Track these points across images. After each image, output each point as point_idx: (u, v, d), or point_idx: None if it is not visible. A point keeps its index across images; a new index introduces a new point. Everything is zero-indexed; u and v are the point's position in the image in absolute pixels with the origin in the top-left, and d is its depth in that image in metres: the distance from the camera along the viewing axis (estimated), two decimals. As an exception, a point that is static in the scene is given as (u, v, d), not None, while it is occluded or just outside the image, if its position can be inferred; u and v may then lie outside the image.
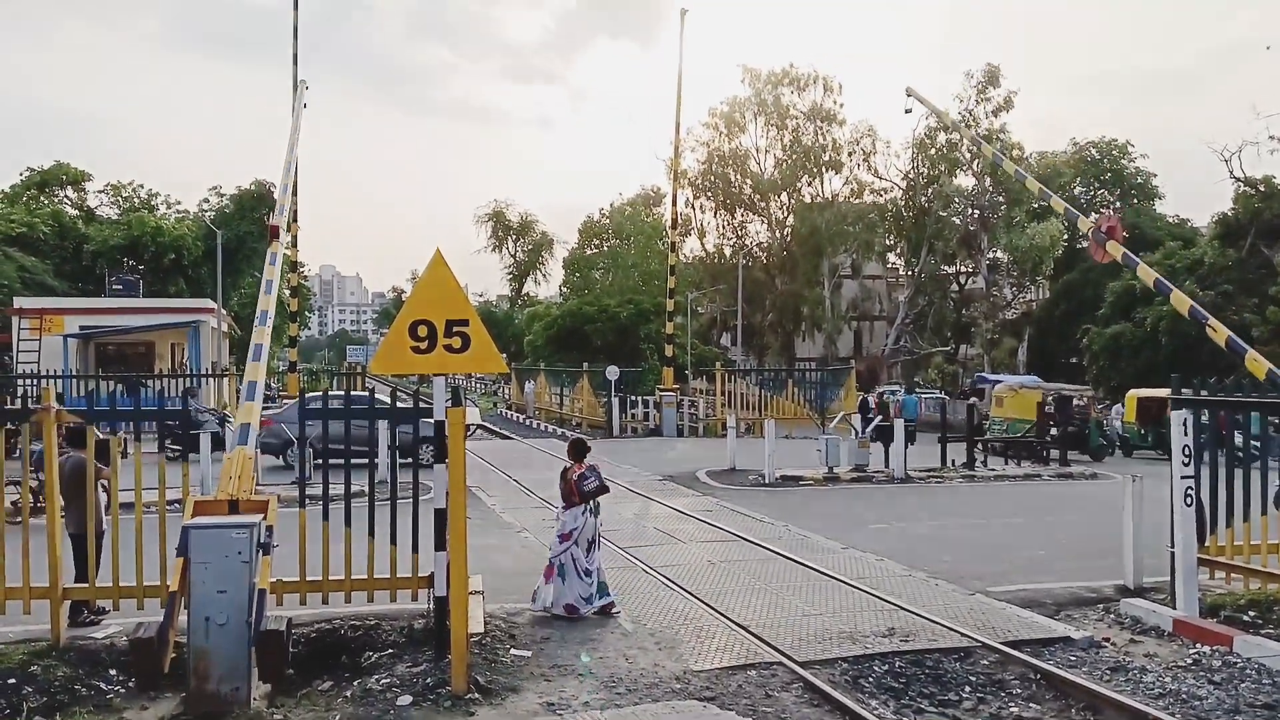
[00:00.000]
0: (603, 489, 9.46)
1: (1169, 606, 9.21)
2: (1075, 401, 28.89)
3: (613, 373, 33.73)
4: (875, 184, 56.31)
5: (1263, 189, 41.30)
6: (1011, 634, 8.58)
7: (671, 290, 36.17)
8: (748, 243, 59.44)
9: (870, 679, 7.51)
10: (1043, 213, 50.95)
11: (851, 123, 56.18)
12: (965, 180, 53.04)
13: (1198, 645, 8.37)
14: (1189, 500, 9.14)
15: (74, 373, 29.48)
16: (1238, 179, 42.30)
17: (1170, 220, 53.24)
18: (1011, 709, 7.02)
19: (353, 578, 8.53)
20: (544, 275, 78.87)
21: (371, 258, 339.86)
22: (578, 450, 9.67)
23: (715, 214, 59.01)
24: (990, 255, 52.15)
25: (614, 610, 9.25)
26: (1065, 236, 49.74)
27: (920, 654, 8.05)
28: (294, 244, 32.85)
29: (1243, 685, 7.40)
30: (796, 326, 57.98)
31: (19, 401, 8.46)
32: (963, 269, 57.59)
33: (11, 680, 7.36)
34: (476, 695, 6.99)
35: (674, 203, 39.08)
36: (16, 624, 8.35)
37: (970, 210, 52.52)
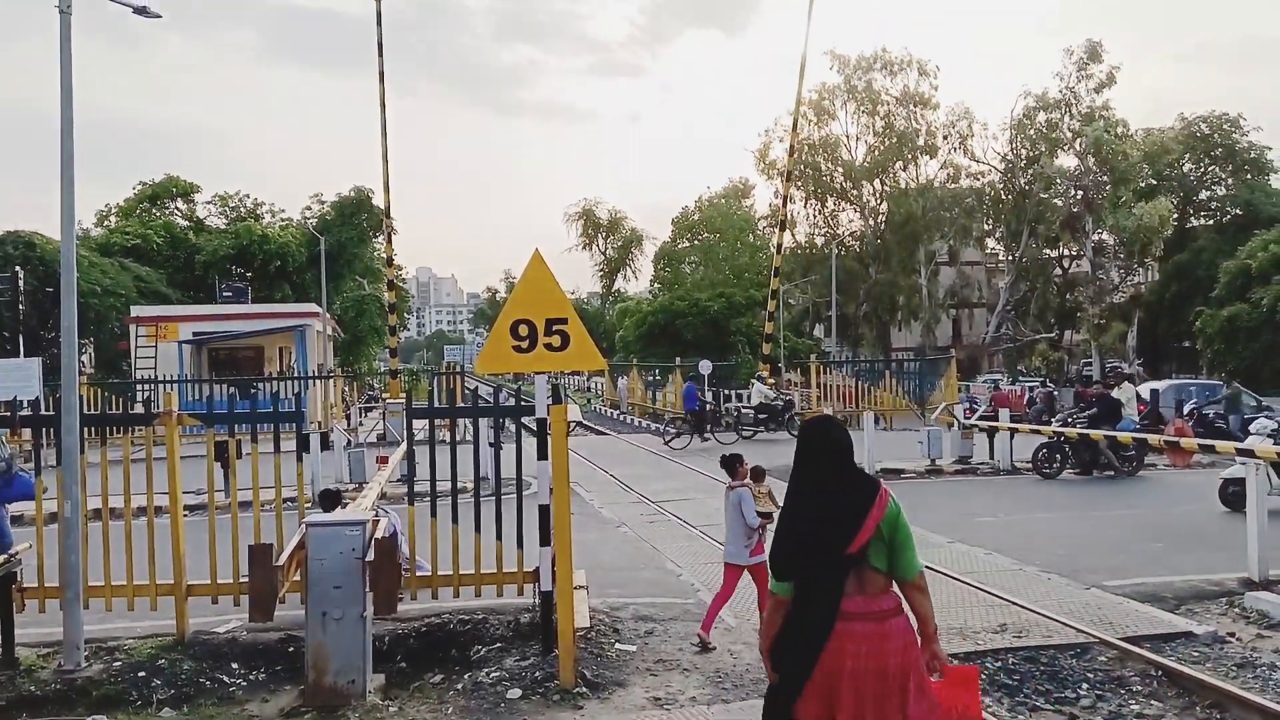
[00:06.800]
0: None
1: (1300, 600, 8.78)
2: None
3: (705, 366, 33.57)
4: (972, 167, 54.94)
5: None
6: (1130, 629, 8.28)
7: (773, 291, 34.71)
8: (840, 232, 58.56)
9: (983, 676, 7.33)
10: (1150, 191, 49.00)
11: (947, 105, 55.07)
12: (1067, 160, 51.26)
13: (1333, 641, 7.96)
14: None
15: (189, 377, 30.81)
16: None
17: (1288, 196, 50.72)
18: (1132, 706, 6.77)
19: (460, 573, 8.69)
20: (634, 271, 79.18)
21: (466, 259, 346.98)
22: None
23: (805, 203, 58.14)
24: (1095, 237, 50.26)
25: None
26: (1175, 215, 47.73)
27: (1035, 650, 7.83)
28: (389, 244, 33.65)
29: (1384, 683, 7.01)
30: (892, 316, 56.95)
31: (141, 406, 8.86)
32: (1066, 252, 55.75)
33: (141, 673, 7.71)
34: (584, 689, 7.06)
35: (785, 201, 38.09)
36: (145, 619, 8.74)
37: (1073, 191, 50.73)
